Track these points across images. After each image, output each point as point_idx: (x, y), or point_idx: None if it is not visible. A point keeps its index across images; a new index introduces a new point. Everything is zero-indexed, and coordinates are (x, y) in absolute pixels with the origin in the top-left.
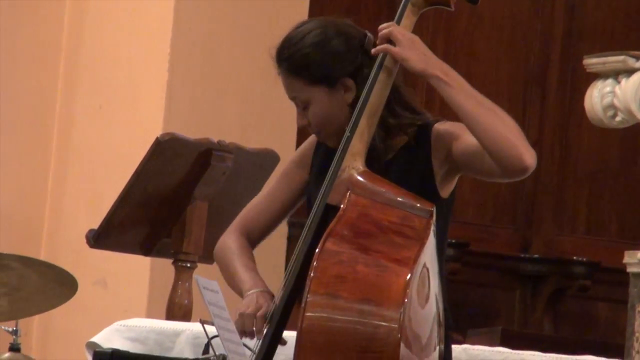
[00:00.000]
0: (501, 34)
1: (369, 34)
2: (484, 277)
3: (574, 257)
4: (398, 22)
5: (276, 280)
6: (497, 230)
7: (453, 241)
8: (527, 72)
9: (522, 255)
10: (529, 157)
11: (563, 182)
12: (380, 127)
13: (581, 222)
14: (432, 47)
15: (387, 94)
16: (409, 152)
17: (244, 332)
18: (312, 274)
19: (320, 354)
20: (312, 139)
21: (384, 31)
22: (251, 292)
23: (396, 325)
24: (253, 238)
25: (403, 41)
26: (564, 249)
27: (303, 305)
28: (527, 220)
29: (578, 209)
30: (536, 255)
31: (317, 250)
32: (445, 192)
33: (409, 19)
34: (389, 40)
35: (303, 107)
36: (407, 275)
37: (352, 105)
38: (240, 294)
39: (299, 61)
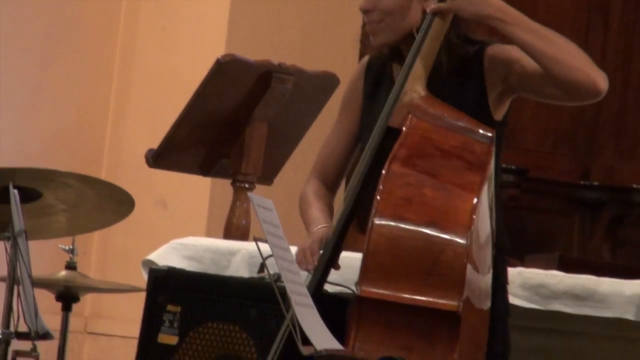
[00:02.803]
0: None
1: None
2: (543, 203)
3: (634, 185)
4: None
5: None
6: (557, 157)
7: (512, 167)
8: None
9: (582, 183)
10: (601, 80)
11: (624, 110)
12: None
13: None
14: None
15: (450, 18)
16: (462, 74)
17: (303, 266)
18: (378, 197)
19: (385, 274)
20: (359, 68)
21: None
22: (316, 229)
23: (463, 250)
24: (330, 179)
25: None
26: (624, 176)
27: (370, 226)
28: (587, 148)
29: (638, 137)
30: (596, 183)
31: (383, 172)
32: (498, 114)
33: None
34: None
35: None
36: (474, 200)
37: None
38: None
39: None
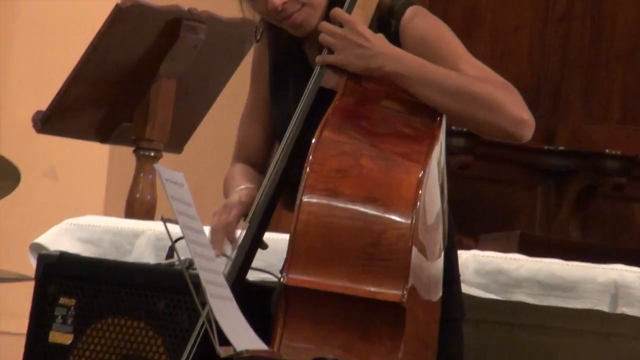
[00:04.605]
0: None
1: None
2: (501, 172)
3: (607, 150)
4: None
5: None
6: None
7: (464, 130)
8: None
9: (546, 147)
10: (526, 131)
11: (594, 62)
12: None
13: (615, 110)
14: None
15: None
16: (381, 29)
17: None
18: (308, 168)
19: (316, 260)
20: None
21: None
22: (237, 190)
23: (408, 230)
24: (255, 157)
25: (335, 45)
26: (595, 140)
27: (298, 202)
28: (552, 106)
29: (611, 94)
30: (562, 147)
31: (313, 140)
32: None
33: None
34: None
35: None
36: (420, 172)
37: None
38: None
39: None
